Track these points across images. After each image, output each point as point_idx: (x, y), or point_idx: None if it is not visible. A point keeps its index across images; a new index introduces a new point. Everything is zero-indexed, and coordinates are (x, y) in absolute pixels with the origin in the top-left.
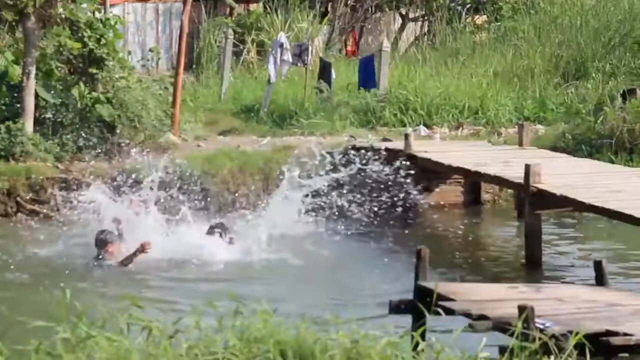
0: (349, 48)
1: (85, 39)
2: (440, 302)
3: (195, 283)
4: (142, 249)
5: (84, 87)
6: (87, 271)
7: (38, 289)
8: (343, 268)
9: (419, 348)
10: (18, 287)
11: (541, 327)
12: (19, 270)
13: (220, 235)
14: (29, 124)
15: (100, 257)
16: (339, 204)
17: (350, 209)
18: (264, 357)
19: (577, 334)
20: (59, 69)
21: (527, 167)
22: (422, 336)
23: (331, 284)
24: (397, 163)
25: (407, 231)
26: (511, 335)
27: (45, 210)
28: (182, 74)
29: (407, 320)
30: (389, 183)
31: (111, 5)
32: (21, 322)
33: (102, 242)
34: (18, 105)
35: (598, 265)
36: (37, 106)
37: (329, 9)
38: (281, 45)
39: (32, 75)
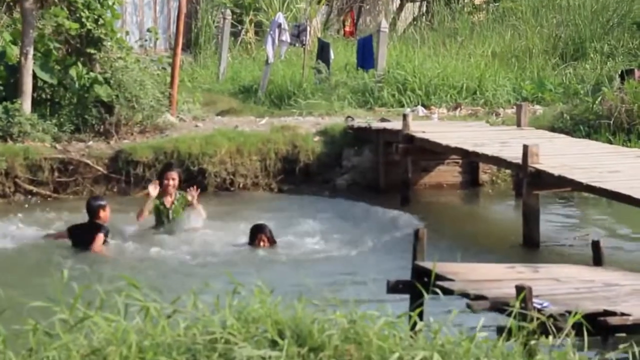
0: (347, 28)
1: (83, 20)
2: (438, 282)
3: (193, 267)
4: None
5: (82, 67)
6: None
7: (35, 269)
8: (341, 248)
9: (417, 328)
10: (15, 268)
11: (539, 307)
12: (16, 252)
13: (266, 236)
14: (26, 105)
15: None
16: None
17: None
18: (262, 336)
19: (575, 314)
20: (57, 49)
21: (525, 148)
22: (420, 316)
23: (329, 263)
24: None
25: (405, 211)
26: (509, 315)
27: (43, 191)
28: (180, 54)
29: (405, 300)
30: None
31: None
32: (19, 302)
33: (94, 208)
34: (16, 85)
35: (596, 245)
36: (35, 87)
37: None
38: (279, 26)
39: (30, 56)
